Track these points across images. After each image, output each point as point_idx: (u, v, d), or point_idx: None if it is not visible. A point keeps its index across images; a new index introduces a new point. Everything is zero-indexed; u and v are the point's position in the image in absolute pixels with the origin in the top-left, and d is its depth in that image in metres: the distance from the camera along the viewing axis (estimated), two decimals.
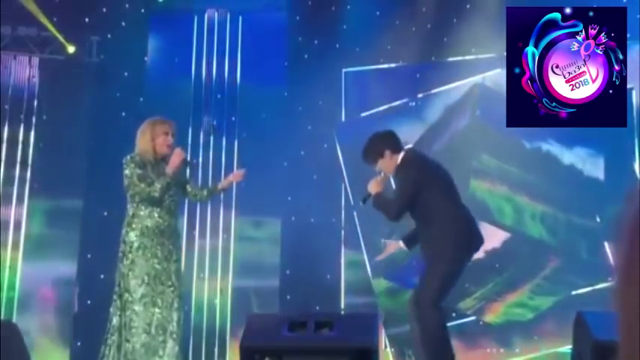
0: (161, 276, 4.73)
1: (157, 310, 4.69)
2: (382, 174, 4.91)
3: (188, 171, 5.16)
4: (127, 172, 4.74)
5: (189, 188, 5.07)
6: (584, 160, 7.56)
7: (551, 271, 7.44)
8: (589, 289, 7.33)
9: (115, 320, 4.71)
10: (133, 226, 4.76)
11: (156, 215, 4.76)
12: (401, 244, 5.08)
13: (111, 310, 4.76)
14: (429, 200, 4.69)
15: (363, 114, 8.09)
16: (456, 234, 4.68)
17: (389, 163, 4.82)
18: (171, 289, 4.75)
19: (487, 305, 7.56)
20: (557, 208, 7.53)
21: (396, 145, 4.86)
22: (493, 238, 7.08)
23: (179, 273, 4.85)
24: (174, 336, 4.72)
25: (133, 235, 4.74)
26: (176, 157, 4.74)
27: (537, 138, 7.60)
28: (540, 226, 7.53)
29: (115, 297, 4.75)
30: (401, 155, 4.81)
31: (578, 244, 7.50)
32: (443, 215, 4.69)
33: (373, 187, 4.86)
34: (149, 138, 4.84)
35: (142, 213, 4.76)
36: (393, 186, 5.28)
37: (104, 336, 4.78)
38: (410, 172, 4.74)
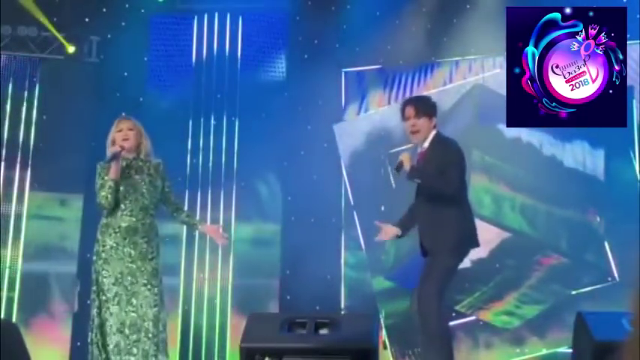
0: (135, 275, 4.70)
1: (131, 309, 4.67)
2: (409, 149, 4.81)
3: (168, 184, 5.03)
4: (95, 181, 4.81)
5: (171, 200, 4.99)
6: (569, 152, 7.56)
7: (537, 281, 7.45)
8: (574, 292, 7.35)
9: (96, 320, 4.71)
10: (107, 226, 4.76)
11: (128, 214, 4.75)
12: (396, 230, 4.90)
13: (92, 310, 4.75)
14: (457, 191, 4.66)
15: (363, 114, 8.09)
16: (463, 230, 4.66)
17: (428, 128, 4.70)
18: (147, 287, 4.70)
19: (475, 313, 7.55)
20: (538, 199, 7.53)
21: (435, 120, 4.79)
22: (479, 247, 7.04)
23: (156, 271, 4.77)
24: (150, 335, 4.66)
25: (105, 235, 4.75)
26: (113, 166, 4.73)
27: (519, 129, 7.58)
28: (520, 217, 7.53)
29: (93, 296, 4.74)
30: (435, 132, 4.74)
31: (558, 235, 7.49)
32: (456, 209, 4.65)
33: (406, 159, 4.73)
34: (111, 139, 4.85)
35: (114, 213, 4.76)
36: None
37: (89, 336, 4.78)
38: (458, 147, 4.69)
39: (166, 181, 4.94)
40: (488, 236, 7.24)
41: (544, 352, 7.37)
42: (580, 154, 7.58)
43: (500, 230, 7.47)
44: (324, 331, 4.71)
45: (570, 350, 5.59)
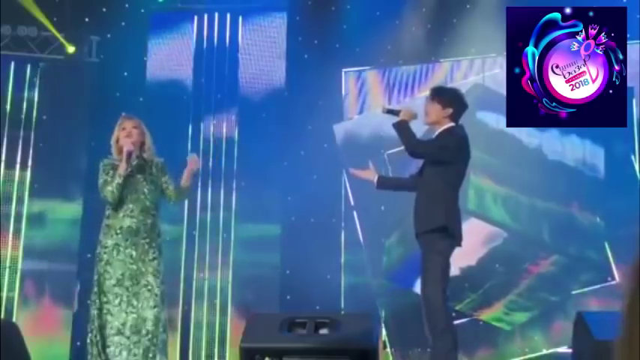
0: (136, 276, 4.70)
1: (131, 310, 4.67)
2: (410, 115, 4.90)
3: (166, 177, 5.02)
4: (99, 177, 4.81)
5: (170, 189, 4.97)
6: (551, 144, 7.57)
7: (525, 289, 7.47)
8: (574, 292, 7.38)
9: (96, 321, 4.70)
10: (109, 227, 4.77)
11: (130, 215, 4.75)
12: (375, 178, 5.12)
13: (91, 311, 4.75)
14: (447, 179, 4.73)
15: (363, 114, 8.09)
16: (456, 228, 4.73)
17: (437, 115, 4.81)
18: (148, 288, 4.70)
19: (464, 320, 7.57)
20: (520, 191, 7.54)
21: (457, 115, 4.85)
22: (468, 256, 7.04)
23: (157, 272, 4.77)
24: (150, 336, 4.66)
25: (107, 237, 4.75)
26: (123, 163, 4.73)
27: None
28: (502, 210, 7.53)
29: (94, 297, 4.74)
30: (451, 124, 4.82)
31: (540, 227, 7.49)
32: (451, 203, 4.73)
33: (405, 113, 4.86)
34: (115, 138, 4.86)
35: (116, 214, 4.76)
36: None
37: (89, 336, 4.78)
38: (453, 140, 4.76)
39: (165, 176, 4.93)
40: (477, 245, 7.25)
41: (544, 352, 7.37)
42: (580, 154, 7.59)
43: (488, 239, 7.44)
44: (324, 331, 4.70)
45: (570, 350, 5.60)
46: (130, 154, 4.74)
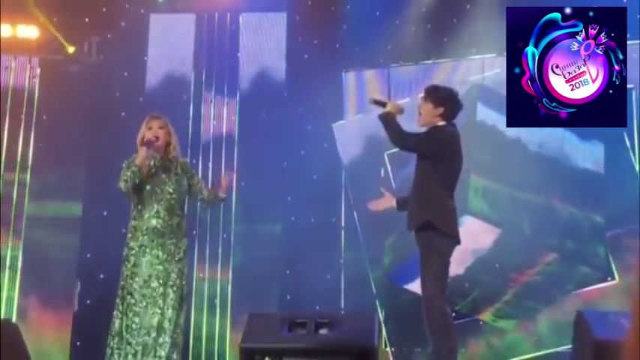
0: (163, 277, 4.72)
1: (157, 310, 4.69)
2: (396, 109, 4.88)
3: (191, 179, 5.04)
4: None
5: (205, 192, 5.01)
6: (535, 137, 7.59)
7: (512, 296, 7.48)
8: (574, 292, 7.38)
9: (117, 323, 4.71)
10: (135, 228, 4.77)
11: (156, 216, 4.76)
12: (394, 202, 5.14)
13: (114, 313, 4.77)
14: (437, 176, 4.73)
15: (363, 114, 8.09)
16: (448, 225, 4.74)
17: (430, 114, 4.82)
18: (173, 289, 4.73)
19: (464, 320, 7.57)
20: (501, 182, 7.54)
21: (449, 114, 4.85)
22: (457, 264, 7.04)
23: (182, 272, 4.81)
24: (174, 337, 4.71)
25: (133, 238, 4.76)
26: (141, 151, 4.72)
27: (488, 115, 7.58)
28: (482, 201, 7.54)
29: (117, 300, 4.75)
30: (443, 123, 4.82)
31: (521, 219, 7.49)
32: (441, 199, 4.73)
33: (392, 105, 4.84)
34: (140, 137, 4.86)
35: (141, 215, 4.77)
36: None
37: (107, 338, 4.78)
38: (440, 136, 4.75)
39: (195, 177, 4.97)
40: (464, 255, 7.26)
41: (544, 351, 7.37)
42: (580, 152, 7.59)
43: (475, 247, 7.43)
44: (324, 331, 4.71)
45: (570, 350, 5.60)
46: (150, 143, 4.72)
